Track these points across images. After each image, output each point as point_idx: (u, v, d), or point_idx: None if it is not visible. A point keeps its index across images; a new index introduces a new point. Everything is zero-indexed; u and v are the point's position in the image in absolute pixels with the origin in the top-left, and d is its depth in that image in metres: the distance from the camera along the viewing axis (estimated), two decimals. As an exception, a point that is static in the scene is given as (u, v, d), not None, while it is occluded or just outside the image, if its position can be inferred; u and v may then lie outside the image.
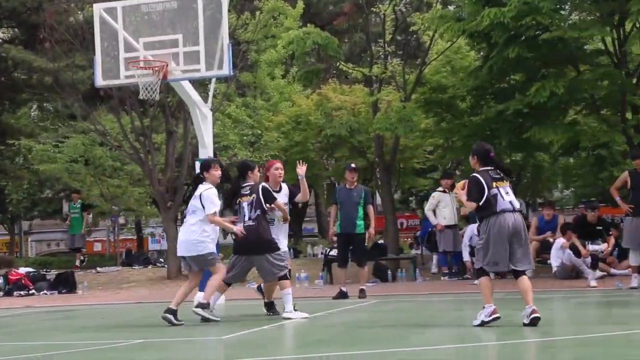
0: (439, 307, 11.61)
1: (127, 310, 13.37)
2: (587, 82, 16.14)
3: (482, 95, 18.27)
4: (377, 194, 22.90)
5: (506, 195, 8.13)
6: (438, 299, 12.82)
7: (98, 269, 21.51)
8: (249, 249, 9.84)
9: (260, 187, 9.95)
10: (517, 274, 8.14)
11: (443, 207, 16.56)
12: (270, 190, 10.09)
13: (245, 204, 9.86)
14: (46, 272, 19.96)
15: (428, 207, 16.97)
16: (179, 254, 10.23)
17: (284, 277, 9.86)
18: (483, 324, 8.01)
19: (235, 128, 23.46)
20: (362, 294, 12.88)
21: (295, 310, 9.84)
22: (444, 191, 16.71)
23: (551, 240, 16.13)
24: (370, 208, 13.24)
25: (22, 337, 9.46)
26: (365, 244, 13.94)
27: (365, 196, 13.17)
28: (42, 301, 16.21)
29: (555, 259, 15.42)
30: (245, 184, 10.08)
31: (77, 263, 21.54)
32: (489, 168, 8.28)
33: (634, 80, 16.49)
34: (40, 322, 11.81)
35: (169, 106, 19.91)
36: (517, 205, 8.21)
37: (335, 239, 13.51)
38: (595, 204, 15.73)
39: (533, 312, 7.94)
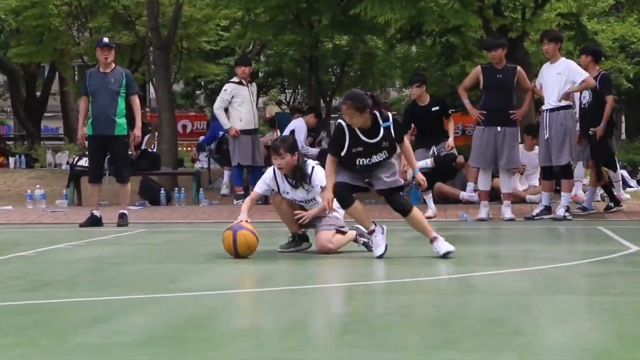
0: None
1: None
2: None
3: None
4: (150, 83, 22.59)
5: None
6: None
7: None
8: None
9: None
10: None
11: (239, 105, 16.37)
12: None
13: None
14: None
15: (218, 104, 16.62)
16: None
17: None
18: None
19: None
20: (122, 219, 12.99)
21: None
22: (240, 82, 16.51)
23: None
24: (136, 99, 13.21)
25: None
26: (130, 152, 13.94)
27: (128, 83, 13.14)
28: None
29: None
30: None
31: None
32: None
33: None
34: None
35: None
36: None
37: (86, 143, 13.41)
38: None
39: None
